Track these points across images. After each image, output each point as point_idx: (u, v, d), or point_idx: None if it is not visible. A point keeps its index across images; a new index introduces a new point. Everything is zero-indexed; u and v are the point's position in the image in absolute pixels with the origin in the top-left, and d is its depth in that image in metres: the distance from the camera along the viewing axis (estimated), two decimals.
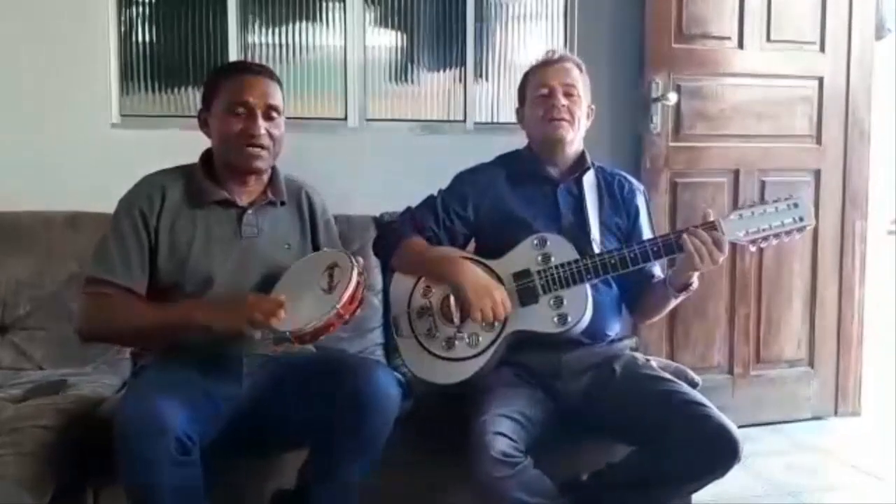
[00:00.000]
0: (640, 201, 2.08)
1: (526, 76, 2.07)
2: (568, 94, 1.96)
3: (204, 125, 1.83)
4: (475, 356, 1.83)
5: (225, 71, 1.89)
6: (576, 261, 1.81)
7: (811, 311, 3.09)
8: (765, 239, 1.76)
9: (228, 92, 1.77)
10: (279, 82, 1.84)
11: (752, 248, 1.82)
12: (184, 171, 1.83)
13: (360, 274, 1.65)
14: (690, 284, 1.85)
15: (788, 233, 1.76)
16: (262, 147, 1.76)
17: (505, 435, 1.66)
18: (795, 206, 1.76)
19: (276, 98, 1.80)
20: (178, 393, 1.56)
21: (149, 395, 1.54)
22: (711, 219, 1.77)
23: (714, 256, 1.75)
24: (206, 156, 1.84)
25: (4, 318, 2.33)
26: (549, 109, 1.95)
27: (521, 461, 1.66)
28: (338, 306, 1.58)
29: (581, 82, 1.99)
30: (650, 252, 1.80)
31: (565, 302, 1.81)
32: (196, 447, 1.53)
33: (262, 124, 1.75)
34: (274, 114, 1.78)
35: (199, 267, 1.74)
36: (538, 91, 1.98)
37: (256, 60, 2.81)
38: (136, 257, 1.72)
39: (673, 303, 1.92)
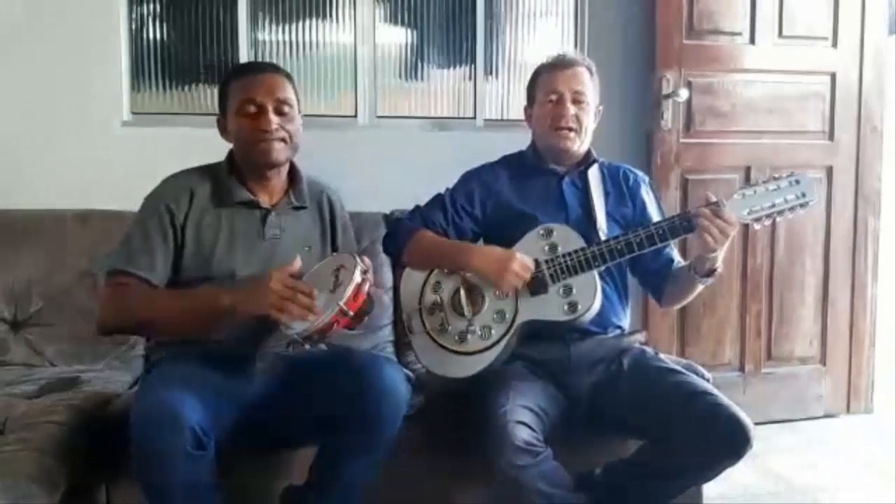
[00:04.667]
0: (646, 191, 2.08)
1: (535, 76, 2.06)
2: (576, 102, 1.96)
3: (224, 131, 1.84)
4: (488, 348, 1.84)
5: (232, 74, 1.89)
6: (582, 249, 1.82)
7: (823, 309, 3.07)
8: (768, 217, 1.77)
9: (237, 93, 1.78)
10: (289, 77, 1.84)
11: (757, 227, 1.83)
12: (210, 171, 1.83)
13: (364, 272, 1.64)
14: (716, 269, 1.85)
15: (792, 209, 1.76)
16: (277, 140, 1.76)
17: (526, 424, 1.67)
18: (797, 182, 1.76)
19: (286, 92, 1.80)
20: (192, 388, 1.56)
21: (163, 391, 1.54)
22: (713, 200, 1.77)
23: (725, 231, 1.75)
24: (232, 156, 1.85)
25: (17, 315, 2.35)
26: (557, 118, 1.96)
27: (542, 451, 1.67)
28: (340, 303, 1.58)
29: (591, 87, 1.99)
30: (655, 235, 1.80)
31: (574, 290, 1.82)
32: (211, 441, 1.54)
33: (274, 119, 1.76)
34: (285, 108, 1.78)
35: (222, 267, 1.75)
36: (547, 97, 1.98)
37: (267, 58, 2.83)
38: (159, 253, 1.72)
39: (700, 288, 1.92)
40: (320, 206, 1.92)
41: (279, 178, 1.85)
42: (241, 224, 1.79)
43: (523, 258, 1.82)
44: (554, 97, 1.97)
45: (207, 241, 1.76)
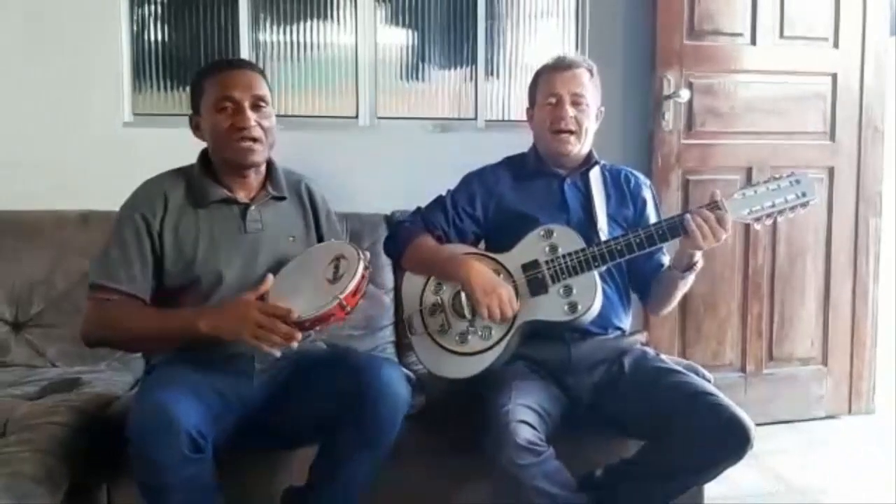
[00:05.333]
0: (647, 194, 2.09)
1: (536, 77, 2.06)
2: (576, 104, 1.96)
3: (196, 129, 1.83)
4: (488, 349, 1.84)
5: (206, 71, 1.86)
6: (582, 249, 1.83)
7: (825, 309, 3.07)
8: (769, 216, 1.78)
9: (212, 89, 1.76)
10: (262, 73, 1.83)
11: (757, 226, 1.84)
12: (183, 173, 1.82)
13: (366, 268, 1.65)
14: (695, 264, 1.87)
15: (793, 209, 1.78)
16: (255, 139, 1.75)
17: (528, 423, 1.67)
18: (798, 182, 1.77)
19: (261, 88, 1.79)
20: (191, 391, 1.57)
21: (162, 394, 1.54)
22: (717, 199, 1.78)
23: (717, 234, 1.76)
24: (204, 155, 1.84)
25: (18, 316, 2.35)
26: (556, 120, 1.96)
27: (544, 450, 1.67)
28: (341, 297, 1.58)
29: (591, 89, 1.99)
30: (655, 235, 1.80)
31: (574, 290, 1.82)
32: (209, 445, 1.54)
33: (251, 116, 1.75)
34: (261, 104, 1.77)
35: (207, 266, 1.75)
36: (546, 99, 1.98)
37: (268, 58, 2.83)
38: (138, 263, 1.71)
39: (682, 285, 1.93)
40: (300, 196, 1.91)
41: (257, 174, 1.84)
42: (221, 222, 1.78)
43: (511, 294, 1.82)
44: (553, 99, 1.97)
45: (188, 244, 1.75)
